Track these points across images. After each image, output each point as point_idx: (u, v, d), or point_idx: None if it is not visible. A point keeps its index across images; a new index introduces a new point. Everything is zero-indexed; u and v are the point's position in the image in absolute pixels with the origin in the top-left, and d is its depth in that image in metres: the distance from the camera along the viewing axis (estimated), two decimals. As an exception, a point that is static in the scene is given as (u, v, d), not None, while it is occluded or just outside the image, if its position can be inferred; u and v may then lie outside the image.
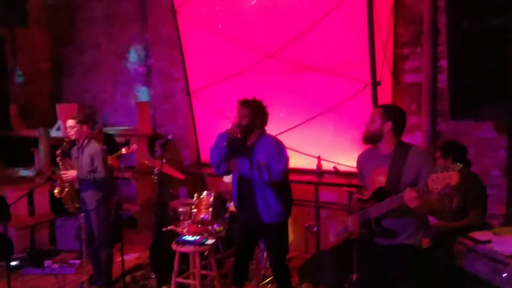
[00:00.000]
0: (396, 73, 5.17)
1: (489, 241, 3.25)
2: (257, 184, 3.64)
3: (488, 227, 3.74)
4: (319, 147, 5.41)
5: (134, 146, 5.10)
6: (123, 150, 5.05)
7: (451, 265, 3.40)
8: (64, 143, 4.50)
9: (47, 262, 5.11)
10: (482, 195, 3.76)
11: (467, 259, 3.29)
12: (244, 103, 3.71)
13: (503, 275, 2.99)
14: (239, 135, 3.60)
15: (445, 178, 2.48)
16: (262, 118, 3.75)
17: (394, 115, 2.93)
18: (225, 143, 3.59)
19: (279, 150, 3.69)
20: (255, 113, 3.68)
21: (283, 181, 3.70)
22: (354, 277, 4.20)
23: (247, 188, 3.70)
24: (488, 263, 3.13)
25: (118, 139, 6.80)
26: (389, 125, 2.89)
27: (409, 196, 2.64)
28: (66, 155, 4.60)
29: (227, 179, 5.24)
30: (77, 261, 5.15)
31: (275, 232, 3.72)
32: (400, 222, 2.86)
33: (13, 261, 5.14)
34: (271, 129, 5.64)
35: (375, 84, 4.84)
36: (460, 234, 3.44)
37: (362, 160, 3.15)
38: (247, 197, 3.71)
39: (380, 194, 2.87)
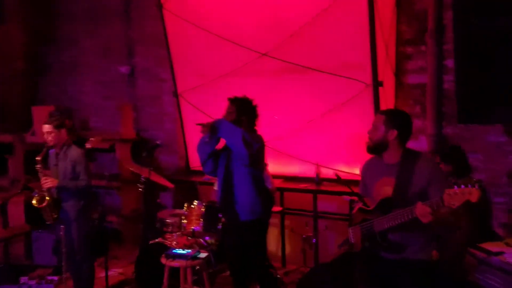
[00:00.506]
0: (399, 73, 5.21)
1: (502, 253, 3.27)
2: (235, 181, 3.83)
3: (498, 238, 3.76)
4: (318, 153, 5.43)
5: (93, 140, 5.01)
6: (87, 145, 4.97)
7: (461, 278, 3.42)
8: (44, 149, 4.44)
9: (23, 279, 5.03)
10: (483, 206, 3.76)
11: (478, 272, 3.31)
12: (231, 100, 3.94)
13: (517, 288, 3.02)
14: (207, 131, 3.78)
15: (465, 194, 2.43)
16: (249, 116, 3.92)
17: (400, 121, 2.88)
18: (206, 139, 3.78)
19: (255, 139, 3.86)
20: (240, 110, 3.87)
21: (261, 181, 3.86)
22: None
23: (228, 187, 3.87)
24: (501, 275, 3.15)
25: (99, 144, 6.77)
26: (394, 133, 2.84)
27: (422, 211, 2.59)
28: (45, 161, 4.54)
29: (217, 186, 5.24)
30: (56, 277, 5.09)
31: (252, 230, 3.81)
32: (408, 236, 2.82)
33: (-15, 277, 5.06)
34: (264, 132, 5.68)
35: (376, 84, 4.87)
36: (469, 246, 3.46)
37: (366, 170, 3.12)
38: (228, 197, 3.87)
39: (385, 206, 2.84)
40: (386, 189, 2.86)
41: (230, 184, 3.84)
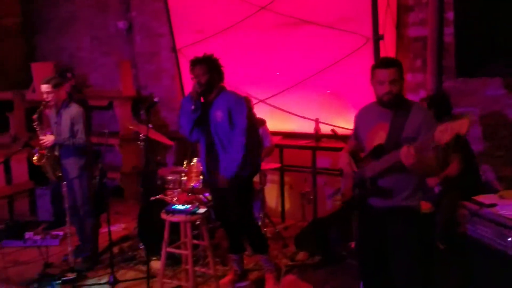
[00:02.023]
0: (400, 26, 5.18)
1: (494, 205, 3.37)
2: (218, 140, 3.86)
3: (493, 191, 3.86)
4: (317, 109, 5.47)
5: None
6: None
7: (453, 229, 3.54)
8: (41, 107, 4.52)
9: (27, 234, 5.25)
10: (460, 144, 3.85)
11: (470, 223, 3.43)
12: (199, 61, 3.87)
13: (508, 239, 3.12)
14: (198, 90, 3.80)
15: (455, 127, 2.47)
16: (219, 73, 3.91)
17: (401, 68, 2.92)
18: (192, 107, 3.78)
19: (238, 101, 3.88)
20: (212, 69, 3.85)
21: (248, 135, 3.85)
22: (353, 244, 4.37)
23: (211, 149, 3.91)
24: (492, 227, 3.26)
25: (99, 103, 6.85)
26: (403, 82, 2.92)
27: (406, 153, 2.67)
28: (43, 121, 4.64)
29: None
30: (61, 232, 5.30)
31: (237, 186, 3.89)
32: (397, 180, 2.90)
33: (-9, 233, 5.26)
34: (263, 89, 5.72)
35: (377, 38, 4.84)
36: (461, 197, 3.57)
37: (360, 117, 3.17)
38: (212, 159, 3.93)
39: (378, 152, 2.91)
40: (380, 134, 2.94)
41: (213, 147, 3.89)
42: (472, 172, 4.02)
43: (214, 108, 3.87)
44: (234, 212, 4.00)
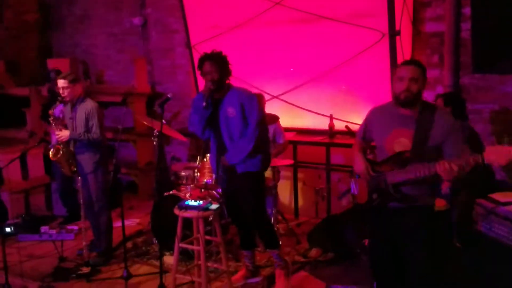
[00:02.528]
0: (417, 21, 5.13)
1: (510, 203, 3.33)
2: (228, 136, 3.87)
3: (509, 188, 3.81)
4: (332, 105, 5.46)
5: None
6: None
7: (469, 228, 3.51)
8: (57, 102, 4.58)
9: (43, 228, 5.33)
10: (475, 142, 3.81)
11: (485, 221, 3.39)
12: (209, 58, 3.84)
13: (524, 238, 3.09)
14: (212, 87, 3.80)
15: (510, 153, 2.45)
16: (228, 70, 3.90)
17: (425, 74, 2.89)
18: (204, 104, 3.78)
19: (250, 96, 3.88)
20: (222, 66, 3.84)
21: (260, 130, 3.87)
22: (366, 242, 4.35)
23: (222, 147, 3.93)
24: (508, 225, 3.22)
25: (113, 99, 6.92)
26: (424, 85, 2.86)
27: (448, 170, 2.62)
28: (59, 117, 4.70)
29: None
30: (76, 227, 5.37)
31: (249, 181, 3.91)
32: (420, 187, 2.87)
33: (7, 227, 5.34)
34: (278, 85, 5.72)
35: (393, 34, 4.82)
36: (476, 195, 3.54)
37: (374, 116, 3.10)
38: (222, 155, 3.95)
39: (402, 160, 2.85)
40: (402, 140, 2.87)
41: (223, 145, 3.92)
42: (482, 168, 3.95)
43: (225, 105, 3.88)
44: (245, 208, 4.01)
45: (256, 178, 3.97)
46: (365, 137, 3.18)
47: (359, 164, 3.09)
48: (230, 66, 3.91)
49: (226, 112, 3.87)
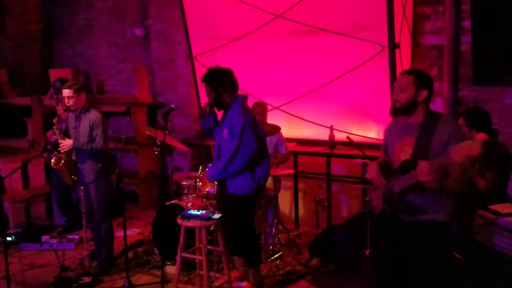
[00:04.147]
0: (416, 34, 5.17)
1: (511, 214, 3.33)
2: (217, 154, 4.04)
3: (510, 200, 3.82)
4: (332, 116, 5.49)
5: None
6: None
7: (469, 239, 3.51)
8: (61, 112, 4.59)
9: (44, 237, 5.31)
10: (503, 162, 3.81)
11: (486, 232, 3.39)
12: (203, 79, 3.96)
13: (525, 249, 3.09)
14: (207, 111, 3.99)
15: (465, 148, 2.43)
16: (223, 84, 3.93)
17: (429, 82, 2.89)
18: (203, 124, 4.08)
19: (235, 123, 3.87)
20: (214, 85, 3.91)
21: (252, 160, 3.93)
22: (367, 252, 4.34)
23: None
24: (509, 236, 3.22)
25: (115, 109, 6.94)
26: (424, 93, 2.84)
27: (421, 169, 2.63)
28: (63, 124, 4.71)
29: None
30: (77, 236, 5.35)
31: (235, 203, 4.01)
32: (426, 197, 2.84)
33: (8, 236, 5.32)
34: (279, 96, 5.75)
35: (393, 46, 4.85)
36: (478, 207, 3.54)
37: (388, 131, 3.15)
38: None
39: (405, 167, 2.86)
40: (406, 149, 2.89)
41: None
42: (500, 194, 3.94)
43: (224, 124, 3.98)
44: (231, 225, 4.07)
45: (241, 202, 4.03)
46: (386, 149, 3.18)
47: (371, 171, 3.08)
48: (231, 79, 3.95)
49: (221, 131, 3.96)
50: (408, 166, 2.84)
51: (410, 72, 2.95)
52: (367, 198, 3.29)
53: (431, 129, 2.81)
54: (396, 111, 2.91)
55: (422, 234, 2.90)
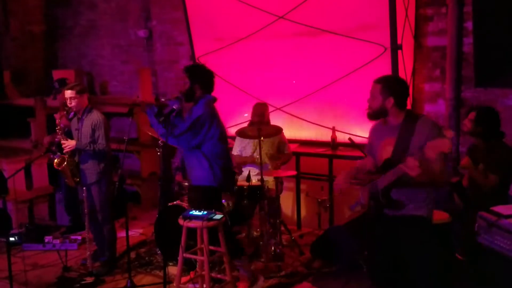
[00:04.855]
0: (418, 35, 5.18)
1: (513, 216, 3.33)
2: (184, 151, 4.17)
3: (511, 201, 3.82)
4: (334, 117, 5.49)
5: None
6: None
7: (471, 240, 3.51)
8: (65, 113, 4.61)
9: (47, 238, 5.32)
10: (506, 164, 3.81)
11: (488, 234, 3.39)
12: (183, 69, 4.11)
13: (526, 251, 3.09)
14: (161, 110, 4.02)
15: (437, 145, 2.60)
16: (202, 81, 4.06)
17: (395, 89, 3.04)
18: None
19: (193, 113, 3.99)
20: (192, 78, 4.03)
21: (213, 154, 4.03)
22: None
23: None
24: (510, 238, 3.22)
25: (118, 109, 6.96)
26: (391, 100, 3.01)
27: (411, 164, 2.75)
28: (67, 127, 4.73)
29: (235, 151, 5.38)
30: (79, 237, 5.36)
31: (198, 194, 4.10)
32: (408, 192, 2.99)
33: (11, 236, 5.34)
34: (283, 97, 5.76)
35: (395, 48, 4.87)
36: (480, 208, 3.54)
37: (372, 132, 3.31)
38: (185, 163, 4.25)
39: (387, 165, 3.00)
40: (388, 148, 3.04)
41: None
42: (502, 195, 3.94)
43: (185, 118, 4.07)
44: None
45: (204, 193, 4.09)
46: (370, 151, 3.31)
47: (338, 177, 3.26)
48: (206, 75, 4.09)
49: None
50: (389, 164, 2.98)
51: (378, 80, 3.11)
52: (355, 203, 3.37)
53: (409, 130, 2.98)
54: (370, 116, 3.13)
55: (406, 228, 3.04)
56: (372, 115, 3.12)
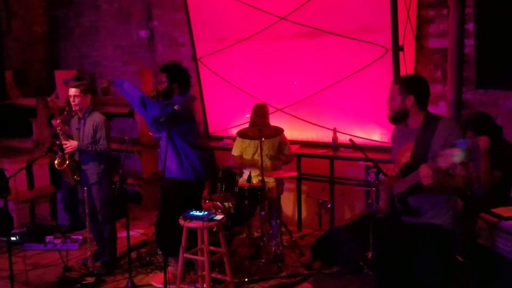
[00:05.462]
0: (420, 37, 5.18)
1: (513, 217, 3.34)
2: (161, 144, 4.27)
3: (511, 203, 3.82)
4: (335, 119, 5.50)
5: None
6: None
7: (472, 242, 3.51)
8: (65, 112, 4.62)
9: (48, 238, 5.34)
10: (508, 161, 3.80)
11: (489, 235, 3.40)
12: (161, 68, 4.15)
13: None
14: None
15: (450, 156, 2.48)
16: (180, 82, 4.12)
17: (415, 87, 2.93)
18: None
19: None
20: (171, 78, 4.08)
21: (187, 145, 4.10)
22: (370, 255, 4.35)
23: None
24: (511, 240, 3.23)
25: (120, 110, 6.96)
26: (411, 99, 2.89)
27: (424, 173, 2.65)
28: (67, 124, 4.74)
29: (236, 152, 5.39)
30: (80, 237, 5.38)
31: (165, 185, 4.13)
32: (425, 199, 2.88)
33: (12, 236, 5.36)
34: (282, 98, 5.76)
35: (397, 49, 4.87)
36: (482, 210, 3.54)
37: (394, 136, 3.20)
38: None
39: (406, 170, 2.90)
40: (407, 154, 2.94)
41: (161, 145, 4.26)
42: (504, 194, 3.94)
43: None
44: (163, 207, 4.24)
45: (171, 184, 4.12)
46: (394, 157, 3.21)
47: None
48: (184, 75, 4.16)
49: None
50: (407, 170, 2.89)
51: (396, 81, 3.02)
52: (369, 201, 3.32)
53: (429, 133, 2.86)
54: (391, 120, 3.02)
55: (423, 237, 2.93)
56: (393, 118, 2.99)
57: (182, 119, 4.02)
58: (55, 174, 6.10)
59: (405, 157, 2.95)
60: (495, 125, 3.91)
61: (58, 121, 4.61)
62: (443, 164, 2.52)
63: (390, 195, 3.03)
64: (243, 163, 5.23)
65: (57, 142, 4.68)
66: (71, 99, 4.53)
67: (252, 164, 5.12)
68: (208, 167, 4.35)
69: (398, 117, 2.97)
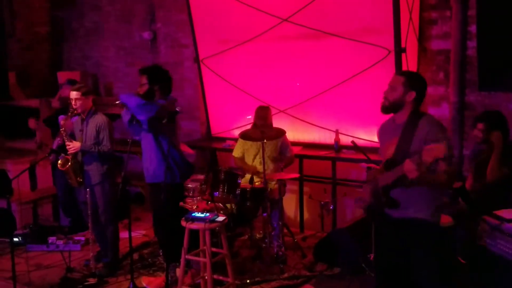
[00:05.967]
0: (422, 39, 5.19)
1: (515, 220, 3.35)
2: (143, 147, 4.35)
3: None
4: (338, 120, 5.51)
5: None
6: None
7: (473, 244, 3.52)
8: (69, 114, 4.64)
9: (51, 239, 5.36)
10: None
11: (490, 238, 3.40)
12: (141, 71, 4.16)
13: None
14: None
15: (433, 150, 2.56)
16: (161, 84, 4.15)
17: (419, 84, 3.01)
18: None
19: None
20: (152, 80, 4.09)
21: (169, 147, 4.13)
22: (371, 256, 4.36)
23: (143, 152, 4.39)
24: (512, 242, 3.24)
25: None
26: (412, 94, 2.96)
27: (409, 167, 2.72)
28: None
29: (237, 153, 5.40)
30: (83, 238, 5.40)
31: (156, 192, 4.16)
32: (408, 193, 2.93)
33: (15, 237, 5.38)
34: (284, 99, 5.78)
35: (399, 51, 4.88)
36: (483, 212, 3.55)
37: (380, 131, 3.28)
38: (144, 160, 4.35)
39: (390, 164, 2.99)
40: (391, 148, 3.03)
41: (144, 149, 4.32)
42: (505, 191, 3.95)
43: None
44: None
45: (153, 189, 4.20)
46: (381, 152, 3.28)
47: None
48: (165, 77, 4.21)
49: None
50: (391, 163, 2.97)
51: (402, 72, 3.14)
52: (358, 196, 3.38)
53: (412, 129, 2.94)
54: (385, 109, 3.06)
55: (407, 231, 3.00)
56: (387, 107, 3.04)
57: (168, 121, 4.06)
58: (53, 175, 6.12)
59: (390, 151, 3.02)
60: (507, 125, 3.96)
61: (63, 121, 4.64)
62: (426, 159, 2.60)
63: (375, 187, 3.09)
64: (244, 169, 5.22)
65: (53, 147, 4.72)
66: (73, 102, 4.55)
67: (253, 172, 5.08)
68: (187, 169, 4.41)
69: (393, 108, 3.03)
